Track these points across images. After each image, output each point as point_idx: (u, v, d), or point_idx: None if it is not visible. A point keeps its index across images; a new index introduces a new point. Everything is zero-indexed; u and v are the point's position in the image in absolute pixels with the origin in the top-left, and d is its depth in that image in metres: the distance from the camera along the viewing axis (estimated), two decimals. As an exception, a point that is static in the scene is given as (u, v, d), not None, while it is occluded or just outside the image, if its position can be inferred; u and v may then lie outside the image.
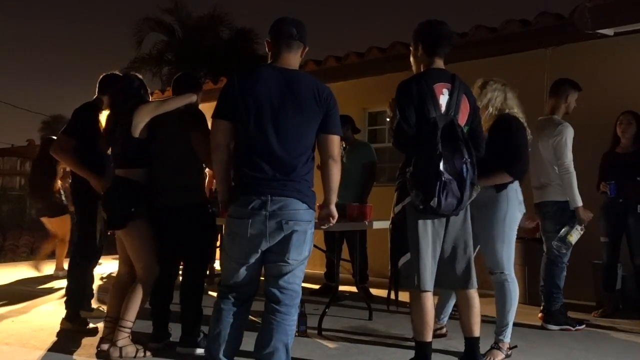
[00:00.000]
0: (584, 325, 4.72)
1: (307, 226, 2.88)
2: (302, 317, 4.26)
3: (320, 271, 6.48)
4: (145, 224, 3.70)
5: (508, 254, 3.78)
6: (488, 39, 6.70)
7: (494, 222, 3.74)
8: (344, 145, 6.12)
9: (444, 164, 3.15)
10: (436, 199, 3.14)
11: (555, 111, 4.78)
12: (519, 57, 6.51)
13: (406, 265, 3.31)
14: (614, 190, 5.11)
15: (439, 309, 4.21)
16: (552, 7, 6.48)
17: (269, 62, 3.02)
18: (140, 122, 3.68)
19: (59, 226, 7.32)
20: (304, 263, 2.93)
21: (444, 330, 4.35)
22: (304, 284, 3.03)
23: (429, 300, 3.30)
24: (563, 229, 4.62)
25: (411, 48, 3.52)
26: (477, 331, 3.44)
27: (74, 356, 3.86)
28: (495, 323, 3.82)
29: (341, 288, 5.03)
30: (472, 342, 3.47)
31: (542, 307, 4.84)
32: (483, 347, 3.65)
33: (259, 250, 2.86)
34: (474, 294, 3.42)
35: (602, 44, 5.94)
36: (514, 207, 3.79)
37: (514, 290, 3.79)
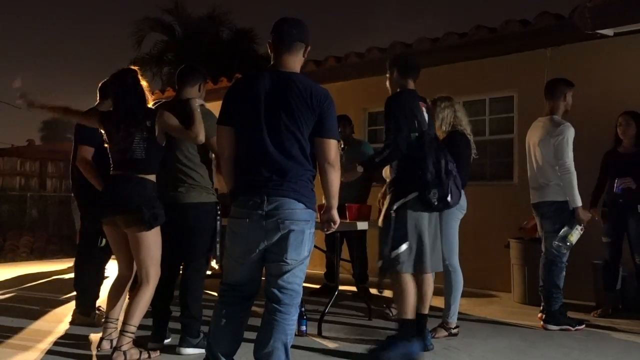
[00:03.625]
0: (583, 325, 4.72)
1: (304, 226, 2.88)
2: (302, 317, 4.26)
3: (320, 271, 6.48)
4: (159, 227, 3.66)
5: (449, 246, 4.33)
6: (488, 39, 6.71)
7: (439, 221, 4.11)
8: (342, 146, 6.11)
9: (450, 164, 3.81)
10: (450, 195, 3.77)
11: (555, 111, 4.78)
12: (519, 57, 6.52)
13: (405, 253, 3.75)
14: (621, 190, 5.08)
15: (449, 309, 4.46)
16: (552, 7, 6.48)
17: (271, 63, 3.03)
18: (162, 131, 3.65)
19: None
20: (303, 263, 2.92)
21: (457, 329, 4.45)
22: (303, 284, 3.03)
23: (413, 282, 3.82)
24: (563, 229, 4.62)
25: (387, 74, 4.06)
26: (427, 309, 4.01)
27: (74, 356, 3.86)
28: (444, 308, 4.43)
29: (341, 288, 5.02)
30: (424, 318, 4.01)
31: (542, 307, 4.84)
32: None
33: (257, 250, 2.87)
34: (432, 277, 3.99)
35: (602, 44, 5.94)
36: (454, 209, 4.19)
37: (456, 278, 4.38)
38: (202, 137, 3.64)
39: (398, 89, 3.99)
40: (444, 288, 4.42)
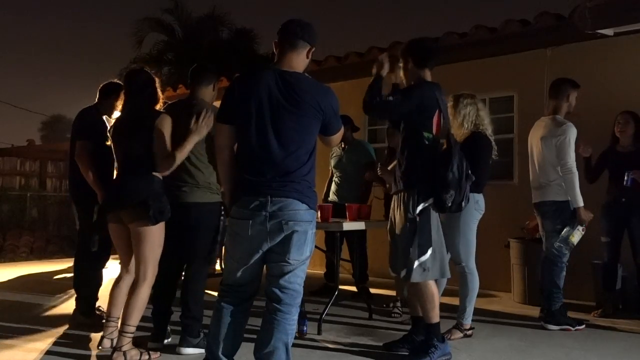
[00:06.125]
0: (583, 325, 4.72)
1: (307, 226, 2.87)
2: (303, 317, 4.26)
3: (320, 271, 6.48)
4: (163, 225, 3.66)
5: (466, 248, 4.27)
6: (488, 39, 6.70)
7: (454, 221, 4.19)
8: (343, 146, 6.11)
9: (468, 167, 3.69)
10: (466, 200, 3.70)
11: (558, 111, 4.78)
12: (519, 57, 6.52)
13: (431, 259, 3.64)
14: (631, 181, 5.04)
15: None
16: (552, 7, 6.49)
17: (274, 62, 3.02)
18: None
19: None
20: (305, 263, 2.92)
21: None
22: (303, 284, 3.03)
23: (435, 286, 3.76)
24: (565, 230, 4.62)
25: (400, 64, 3.88)
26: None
27: (74, 356, 3.85)
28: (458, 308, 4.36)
29: (341, 288, 5.03)
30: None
31: (542, 307, 4.84)
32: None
33: (260, 251, 2.87)
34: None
35: (602, 44, 5.94)
36: (471, 208, 4.16)
37: (472, 280, 4.32)
38: (175, 161, 3.57)
39: (413, 81, 3.81)
40: (459, 290, 4.36)
